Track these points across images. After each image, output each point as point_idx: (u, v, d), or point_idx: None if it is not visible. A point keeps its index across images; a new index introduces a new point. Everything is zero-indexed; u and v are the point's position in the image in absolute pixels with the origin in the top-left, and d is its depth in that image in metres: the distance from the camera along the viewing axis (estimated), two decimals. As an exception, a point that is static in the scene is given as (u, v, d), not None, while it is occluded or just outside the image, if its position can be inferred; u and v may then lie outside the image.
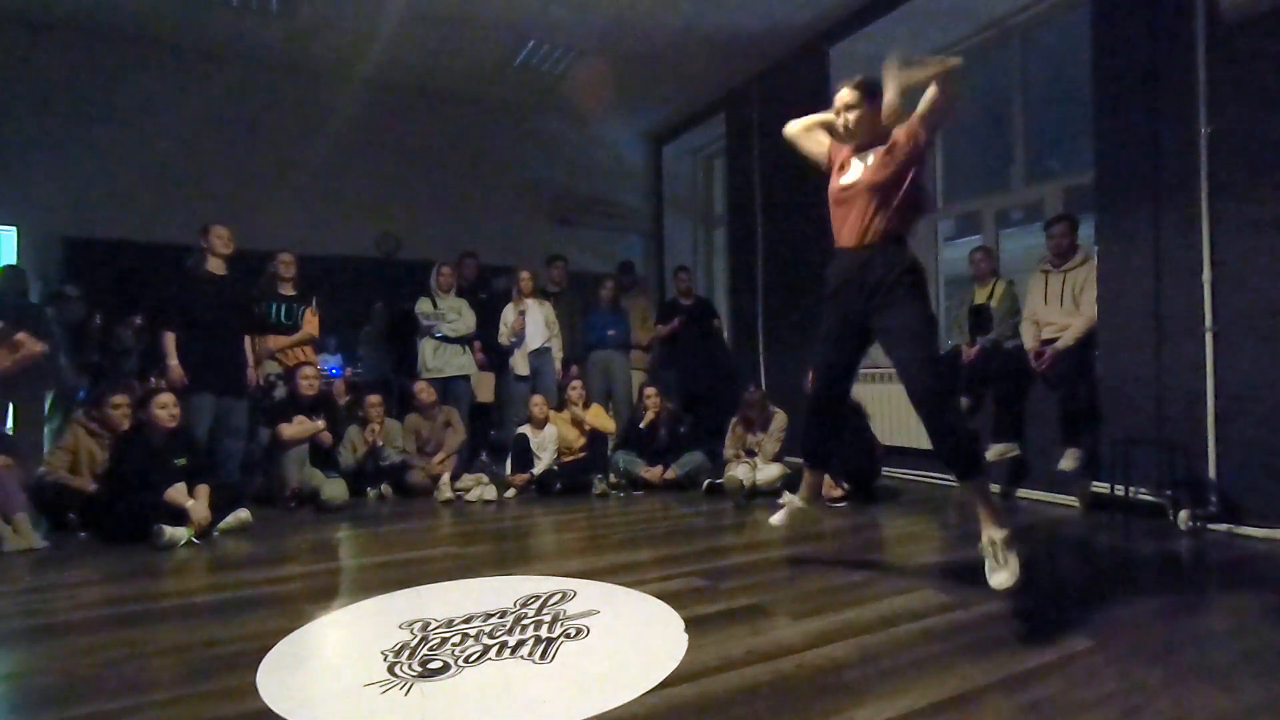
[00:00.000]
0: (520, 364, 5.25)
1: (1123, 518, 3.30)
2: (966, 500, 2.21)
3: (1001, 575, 2.05)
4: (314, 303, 4.74)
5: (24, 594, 2.60)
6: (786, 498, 2.80)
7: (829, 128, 2.48)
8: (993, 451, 3.95)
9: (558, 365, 5.36)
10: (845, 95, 2.33)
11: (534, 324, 5.27)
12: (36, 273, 5.04)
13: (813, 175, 5.33)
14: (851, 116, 2.32)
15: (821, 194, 2.50)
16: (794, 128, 2.60)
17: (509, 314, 5.24)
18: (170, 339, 4.04)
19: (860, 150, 2.38)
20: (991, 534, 2.10)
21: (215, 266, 4.20)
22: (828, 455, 2.70)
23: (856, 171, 2.34)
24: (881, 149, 2.30)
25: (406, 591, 2.49)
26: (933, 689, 1.64)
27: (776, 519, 2.79)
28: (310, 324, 4.71)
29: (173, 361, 4.02)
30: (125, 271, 5.32)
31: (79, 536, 3.48)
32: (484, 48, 5.69)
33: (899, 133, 2.25)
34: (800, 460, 2.76)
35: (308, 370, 4.41)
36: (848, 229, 2.35)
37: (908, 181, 2.25)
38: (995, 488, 4.12)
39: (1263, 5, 3.02)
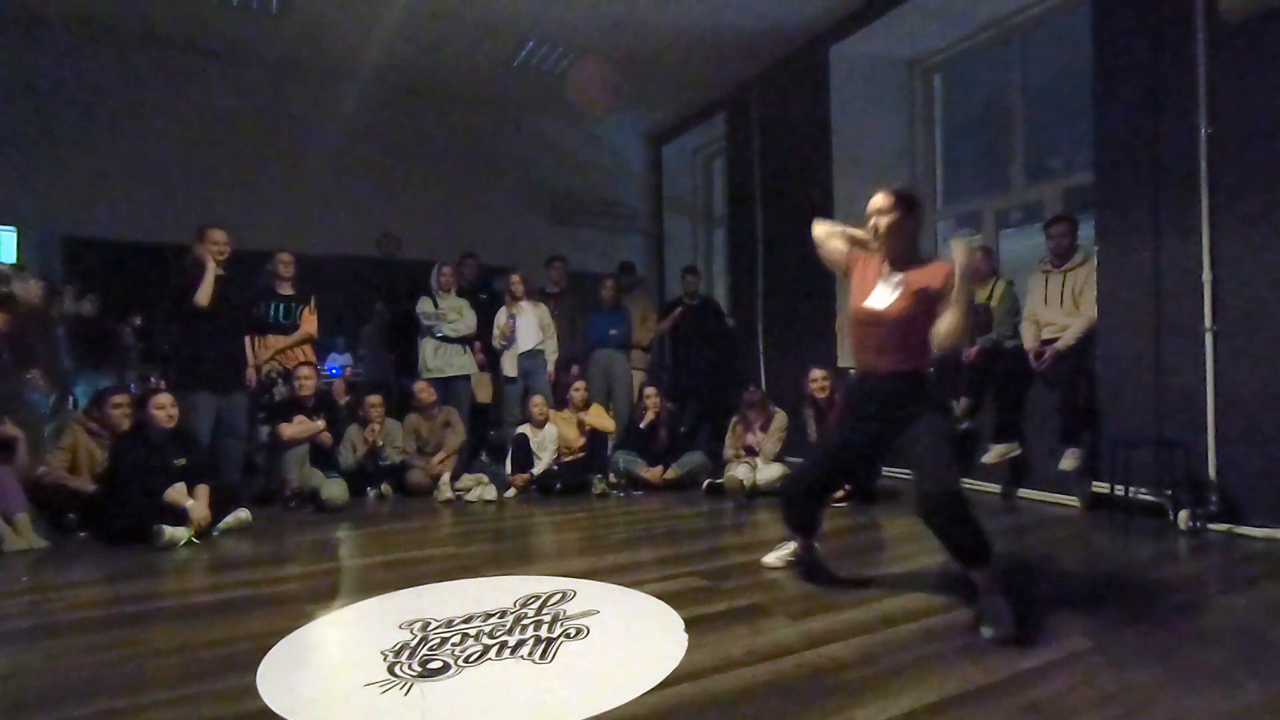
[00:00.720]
0: (508, 365, 5.24)
1: (1123, 518, 3.30)
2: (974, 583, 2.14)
3: (988, 631, 1.99)
4: (311, 302, 4.74)
5: (24, 594, 2.60)
6: (787, 547, 2.71)
7: (852, 240, 2.43)
8: (993, 452, 3.95)
9: (550, 367, 5.34)
10: (879, 201, 2.26)
11: (526, 326, 5.25)
12: (37, 273, 5.04)
13: (812, 175, 5.39)
14: (884, 221, 2.23)
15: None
16: (820, 230, 2.52)
17: (500, 317, 5.24)
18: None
19: (888, 269, 2.28)
20: (985, 628, 1.99)
21: (211, 269, 4.19)
22: (816, 526, 2.59)
23: (883, 298, 2.25)
24: (910, 283, 2.21)
25: (406, 591, 2.49)
26: (933, 689, 1.65)
27: (771, 558, 2.72)
28: (309, 323, 4.71)
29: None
30: (125, 271, 5.31)
31: (79, 536, 3.48)
32: (484, 48, 5.68)
33: (935, 280, 2.17)
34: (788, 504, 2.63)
35: (304, 370, 4.41)
36: (870, 354, 2.31)
37: (927, 321, 2.18)
38: (996, 488, 4.13)
39: (1263, 6, 3.02)
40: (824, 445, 2.62)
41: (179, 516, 3.34)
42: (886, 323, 2.24)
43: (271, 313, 4.57)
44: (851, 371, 2.47)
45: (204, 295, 4.03)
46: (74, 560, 3.11)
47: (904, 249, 2.27)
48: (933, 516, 2.09)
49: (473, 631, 2.06)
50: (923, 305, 2.18)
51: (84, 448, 3.72)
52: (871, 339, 2.30)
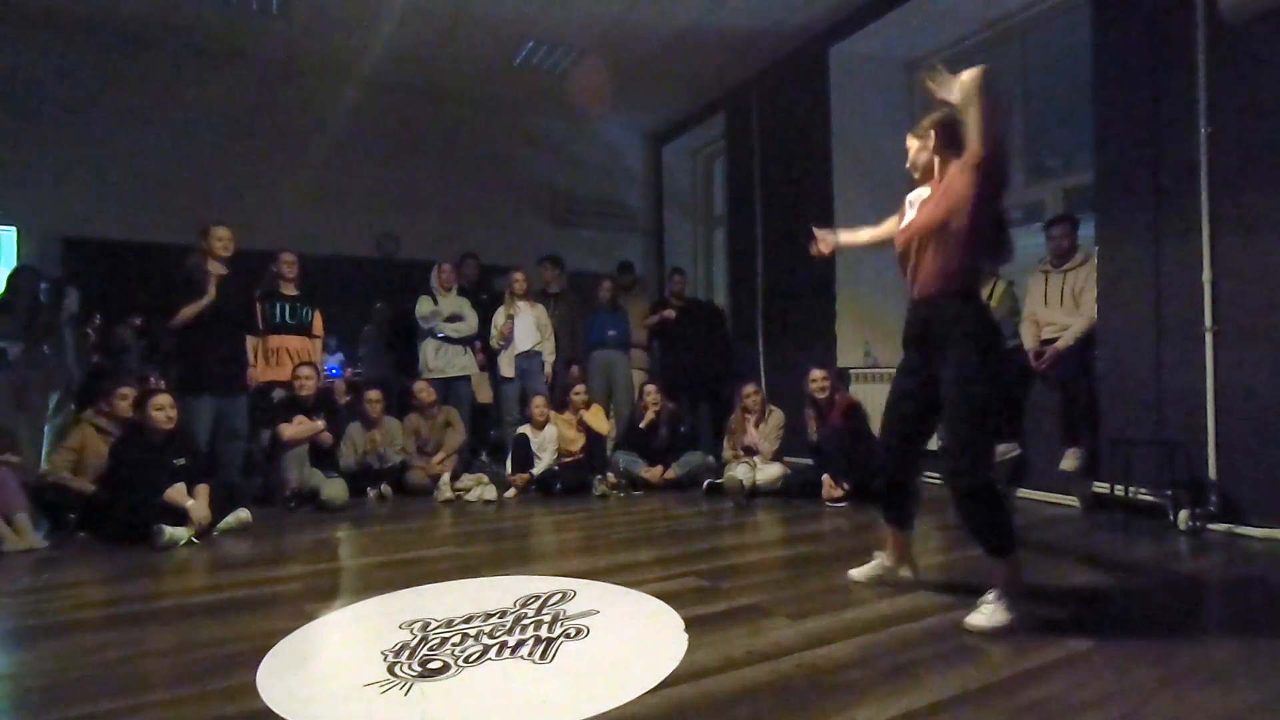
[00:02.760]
0: (504, 365, 5.24)
1: (1123, 518, 3.30)
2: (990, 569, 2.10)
3: (979, 619, 2.00)
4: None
5: (24, 594, 2.60)
6: (875, 560, 2.46)
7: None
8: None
9: (547, 369, 5.33)
10: (911, 143, 2.23)
11: (524, 327, 5.24)
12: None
13: (813, 175, 5.38)
14: (922, 158, 2.20)
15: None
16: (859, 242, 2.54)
17: (499, 318, 5.25)
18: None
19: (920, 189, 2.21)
20: (995, 616, 1.99)
21: (215, 267, 4.19)
22: (911, 515, 2.38)
23: (911, 213, 2.15)
24: (937, 186, 2.12)
25: (406, 591, 2.49)
26: (933, 689, 1.64)
27: (858, 573, 2.45)
28: (319, 326, 4.80)
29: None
30: (125, 271, 5.32)
31: (79, 537, 3.48)
32: (484, 47, 5.69)
33: (955, 168, 2.07)
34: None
35: (303, 370, 4.41)
36: (910, 279, 2.17)
37: (969, 224, 2.02)
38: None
39: (1263, 6, 3.02)
40: (888, 406, 2.31)
41: (179, 516, 3.34)
42: (914, 239, 2.10)
43: (277, 313, 4.58)
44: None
45: (191, 312, 4.04)
46: (74, 560, 3.11)
47: (937, 172, 2.17)
48: (960, 500, 2.06)
49: (473, 631, 2.06)
50: (951, 201, 2.03)
51: (91, 448, 3.70)
52: (908, 265, 2.17)
